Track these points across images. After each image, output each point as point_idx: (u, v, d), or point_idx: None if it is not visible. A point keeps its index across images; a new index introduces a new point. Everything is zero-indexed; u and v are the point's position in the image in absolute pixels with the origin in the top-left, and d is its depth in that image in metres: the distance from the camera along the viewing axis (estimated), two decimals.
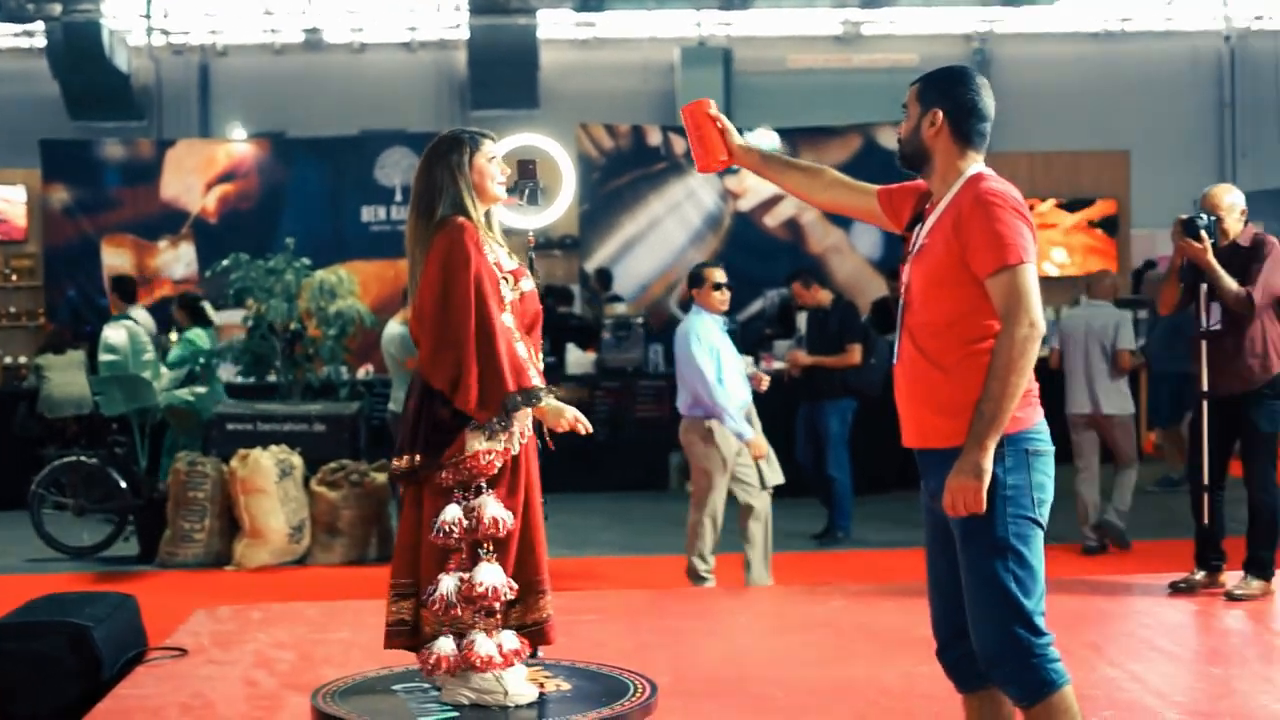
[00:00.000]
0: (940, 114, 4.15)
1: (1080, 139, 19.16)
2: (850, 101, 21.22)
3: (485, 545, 5.01)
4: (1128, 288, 16.25)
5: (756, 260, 13.02)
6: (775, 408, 11.60)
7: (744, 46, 23.84)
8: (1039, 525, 4.03)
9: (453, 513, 4.98)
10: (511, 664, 5.05)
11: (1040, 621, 3.98)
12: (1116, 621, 7.27)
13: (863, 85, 22.98)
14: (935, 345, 4.06)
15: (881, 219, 4.53)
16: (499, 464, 5.01)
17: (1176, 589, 7.86)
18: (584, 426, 5.17)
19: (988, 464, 3.89)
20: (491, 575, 4.98)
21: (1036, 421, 4.06)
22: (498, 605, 4.99)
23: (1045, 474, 4.05)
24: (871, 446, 11.16)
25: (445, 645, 5.00)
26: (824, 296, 10.66)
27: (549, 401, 5.10)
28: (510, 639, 5.07)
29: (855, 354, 10.46)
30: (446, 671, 5.00)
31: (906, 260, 4.24)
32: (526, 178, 5.50)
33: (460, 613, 4.97)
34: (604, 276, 15.48)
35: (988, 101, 4.19)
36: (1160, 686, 6.07)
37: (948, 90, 4.19)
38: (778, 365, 12.31)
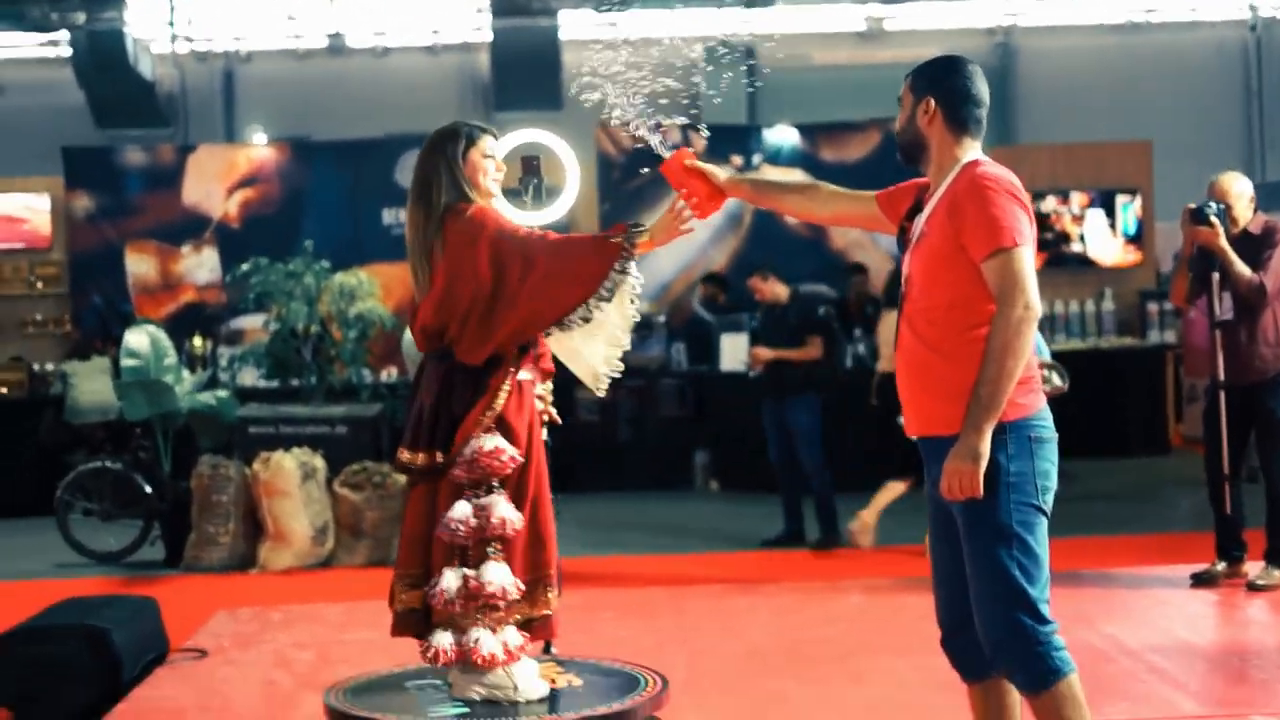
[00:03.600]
0: (933, 102, 4.17)
1: (1104, 131, 19.09)
2: (873, 98, 21.12)
3: (494, 544, 5.01)
4: (1153, 279, 16.18)
5: (777, 257, 12.92)
6: (743, 405, 11.59)
7: (767, 44, 23.84)
8: (1043, 512, 4.02)
9: (462, 510, 4.98)
10: (516, 659, 5.04)
11: (1045, 609, 3.98)
12: (1137, 613, 7.24)
13: (886, 81, 22.79)
14: (934, 332, 4.07)
15: (884, 223, 4.52)
16: (512, 465, 5.01)
17: (1198, 580, 7.82)
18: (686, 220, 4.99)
19: (985, 448, 3.88)
20: (499, 574, 4.98)
21: (1040, 408, 4.05)
22: (503, 604, 4.99)
23: (1049, 460, 4.04)
24: (840, 444, 10.89)
25: (443, 639, 5.00)
26: (781, 291, 10.48)
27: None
28: (514, 635, 5.05)
29: (816, 347, 10.28)
30: (444, 665, 5.02)
31: (906, 250, 4.25)
32: (530, 174, 5.50)
33: (462, 608, 4.98)
34: None
35: (981, 88, 4.20)
36: (1177, 676, 6.05)
37: (939, 79, 4.21)
38: None
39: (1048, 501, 4.03)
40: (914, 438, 4.23)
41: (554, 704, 5.07)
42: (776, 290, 10.38)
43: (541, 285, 4.98)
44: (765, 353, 10.34)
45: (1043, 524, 4.02)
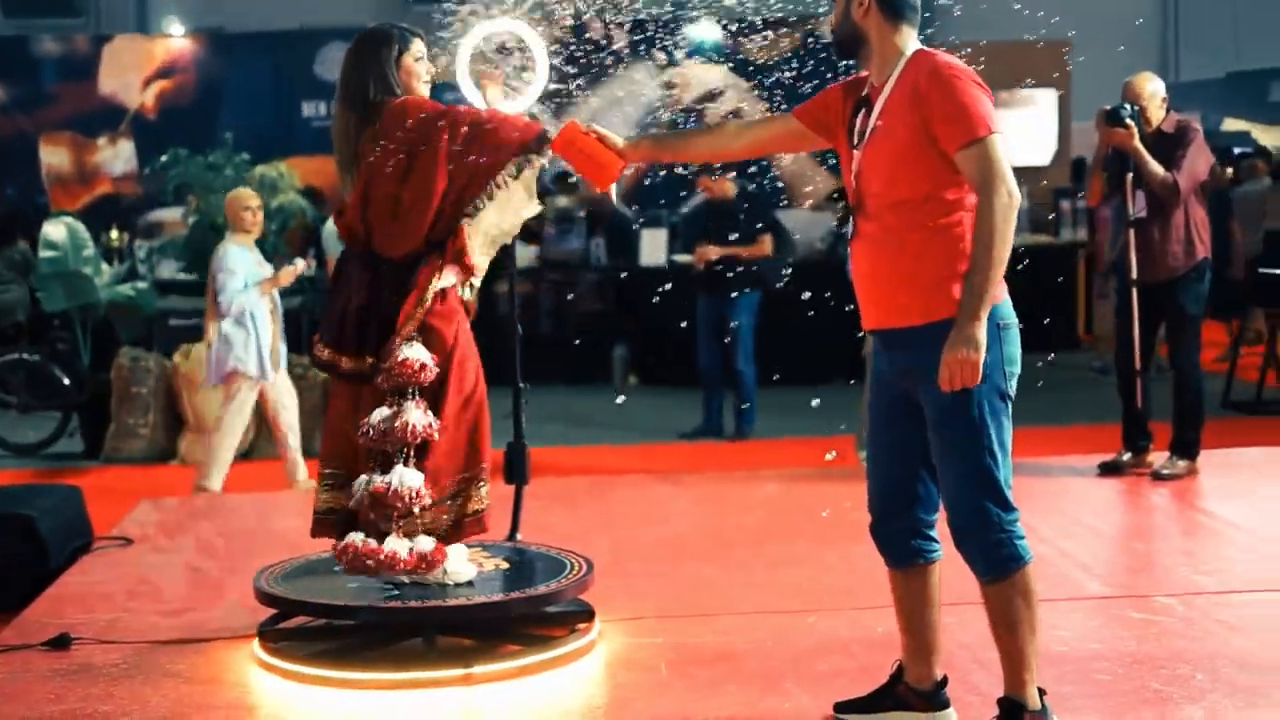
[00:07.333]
0: None
1: (1021, 29, 19.18)
2: None
3: (404, 450, 5.05)
4: (1067, 178, 16.37)
5: None
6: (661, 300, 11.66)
7: None
8: (1009, 399, 4.08)
9: (379, 415, 5.03)
10: (419, 568, 5.07)
11: (1009, 496, 4.06)
12: (1047, 500, 7.42)
13: None
14: (903, 224, 4.05)
15: (809, 137, 4.46)
16: (428, 378, 5.05)
17: (1105, 469, 8.04)
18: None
19: (983, 336, 3.89)
20: (406, 479, 5.01)
21: (1004, 296, 4.06)
22: (416, 509, 5.03)
23: (1015, 346, 4.09)
24: (771, 339, 11.02)
25: (398, 545, 5.03)
26: (730, 188, 10.53)
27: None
28: (425, 542, 5.08)
29: (767, 244, 10.38)
30: (396, 570, 5.05)
31: (857, 147, 4.17)
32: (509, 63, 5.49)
33: (377, 513, 5.01)
34: None
35: None
36: (1085, 560, 6.25)
37: None
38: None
39: (1012, 388, 4.08)
40: (872, 330, 4.23)
41: (481, 587, 5.18)
42: (725, 188, 10.43)
43: (460, 155, 4.98)
44: (713, 250, 10.35)
45: (1008, 409, 4.08)
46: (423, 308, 5.03)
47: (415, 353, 5.02)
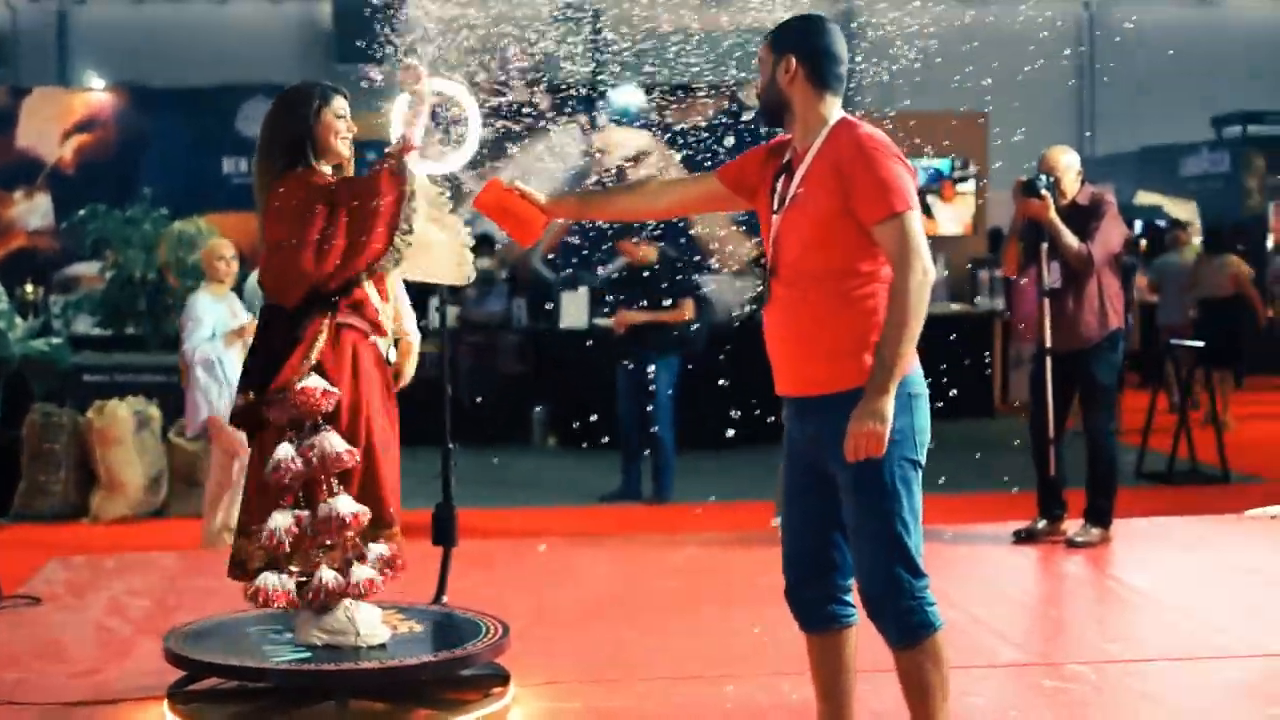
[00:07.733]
0: (794, 60, 4.13)
1: (939, 101, 19.46)
2: (719, 62, 21.28)
3: (330, 480, 5.00)
4: (984, 248, 16.56)
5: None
6: (582, 362, 11.74)
7: (613, 3, 23.84)
8: (920, 467, 4.08)
9: (284, 451, 4.97)
10: (361, 595, 5.06)
11: (920, 563, 4.06)
12: (961, 567, 7.47)
13: (732, 46, 23.06)
14: (818, 293, 4.06)
15: (731, 199, 4.49)
16: (330, 405, 5.01)
17: (1019, 537, 8.10)
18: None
19: (889, 409, 3.90)
20: (345, 505, 4.98)
21: (915, 365, 4.08)
22: (351, 533, 5.00)
23: (925, 415, 4.10)
24: (691, 404, 10.99)
25: (270, 580, 5.01)
26: (651, 253, 10.54)
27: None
28: (364, 570, 5.06)
29: (688, 309, 10.40)
30: (282, 607, 5.03)
31: (778, 212, 4.18)
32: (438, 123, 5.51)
33: (294, 547, 4.96)
34: None
35: (840, 45, 4.18)
36: (1000, 627, 6.29)
37: (799, 36, 4.18)
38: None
39: (923, 456, 4.09)
40: (784, 396, 4.23)
41: (394, 649, 5.13)
42: (646, 252, 10.44)
43: (347, 245, 5.00)
44: (635, 315, 10.33)
45: (919, 478, 4.09)
46: (307, 363, 4.99)
47: (314, 382, 4.98)
